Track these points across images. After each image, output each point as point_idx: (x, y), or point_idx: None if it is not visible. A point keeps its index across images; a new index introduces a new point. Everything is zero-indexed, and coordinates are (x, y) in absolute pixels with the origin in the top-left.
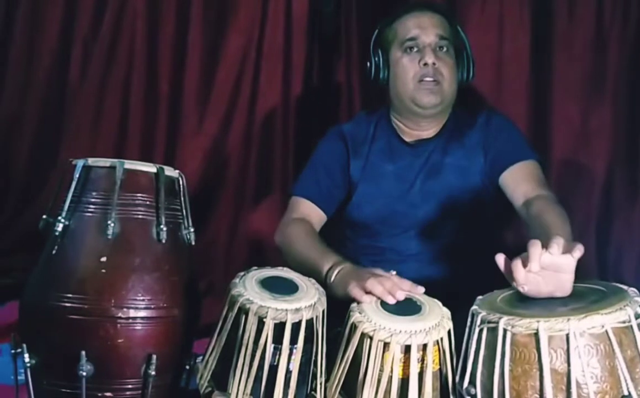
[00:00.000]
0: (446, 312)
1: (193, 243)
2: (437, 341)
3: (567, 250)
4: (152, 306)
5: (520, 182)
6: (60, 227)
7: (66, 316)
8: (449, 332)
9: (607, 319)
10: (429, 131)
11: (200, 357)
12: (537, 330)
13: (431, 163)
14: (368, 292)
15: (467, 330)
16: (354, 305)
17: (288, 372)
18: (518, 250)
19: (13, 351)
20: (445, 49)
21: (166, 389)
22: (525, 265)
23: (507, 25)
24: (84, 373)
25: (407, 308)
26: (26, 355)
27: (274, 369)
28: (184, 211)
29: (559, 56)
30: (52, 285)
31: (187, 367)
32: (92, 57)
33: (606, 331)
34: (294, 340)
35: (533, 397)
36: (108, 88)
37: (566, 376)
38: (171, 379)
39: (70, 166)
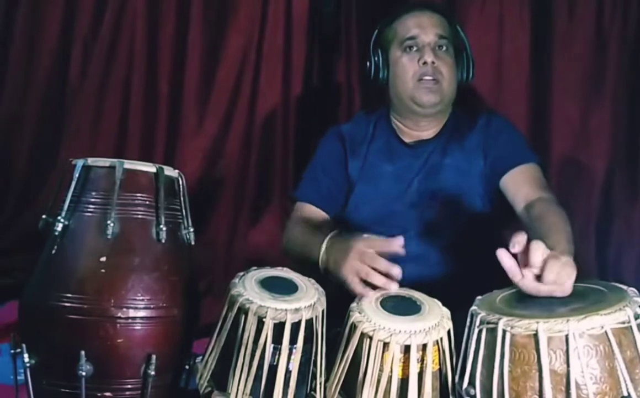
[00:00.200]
0: (446, 312)
1: (193, 243)
2: (437, 341)
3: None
4: (152, 306)
5: (521, 185)
6: (60, 227)
7: (66, 316)
8: (448, 332)
9: (606, 320)
10: (428, 131)
11: (200, 357)
12: (537, 330)
13: (430, 164)
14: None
15: (466, 330)
16: (353, 304)
17: (287, 372)
18: None
19: (13, 351)
20: (444, 48)
21: (166, 389)
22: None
23: (507, 25)
24: (84, 373)
25: (406, 308)
26: (26, 355)
27: (273, 369)
28: (183, 211)
29: (559, 55)
30: (52, 285)
31: (187, 367)
32: (92, 57)
33: (605, 332)
34: (293, 340)
35: None
36: (108, 88)
37: (565, 377)
38: (171, 379)
39: (70, 166)
